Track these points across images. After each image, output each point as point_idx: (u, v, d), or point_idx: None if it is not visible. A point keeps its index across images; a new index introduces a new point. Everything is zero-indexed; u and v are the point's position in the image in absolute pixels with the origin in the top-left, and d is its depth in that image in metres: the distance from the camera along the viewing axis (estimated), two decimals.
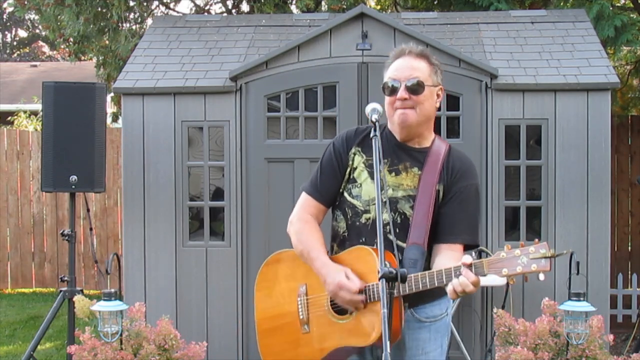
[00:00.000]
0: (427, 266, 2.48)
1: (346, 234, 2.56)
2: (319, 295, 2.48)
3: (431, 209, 2.49)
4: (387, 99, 2.53)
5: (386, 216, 2.45)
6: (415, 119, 2.47)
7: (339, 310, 2.45)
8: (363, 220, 2.52)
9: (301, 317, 2.50)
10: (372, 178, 2.50)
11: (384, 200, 2.42)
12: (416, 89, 2.47)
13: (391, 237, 2.41)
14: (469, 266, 2.25)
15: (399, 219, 2.49)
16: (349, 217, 2.54)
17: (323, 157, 2.62)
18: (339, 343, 2.43)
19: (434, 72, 2.53)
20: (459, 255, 2.44)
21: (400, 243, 2.46)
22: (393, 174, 2.52)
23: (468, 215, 2.53)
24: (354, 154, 2.56)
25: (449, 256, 2.44)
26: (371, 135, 2.37)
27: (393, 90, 2.49)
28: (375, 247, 2.43)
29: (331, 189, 2.59)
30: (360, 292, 2.38)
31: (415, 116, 2.47)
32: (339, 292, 2.38)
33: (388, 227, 2.44)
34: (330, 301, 2.46)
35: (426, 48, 2.62)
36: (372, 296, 2.37)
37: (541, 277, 2.21)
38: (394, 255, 2.35)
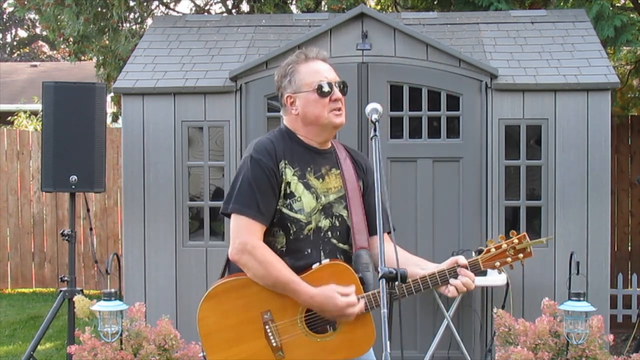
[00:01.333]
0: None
1: (284, 248, 2.47)
2: (289, 320, 2.42)
3: (362, 206, 2.54)
4: (316, 99, 2.48)
5: (326, 222, 2.48)
6: (345, 120, 2.53)
7: (318, 330, 2.43)
8: (306, 232, 2.47)
9: (274, 344, 2.41)
10: (307, 189, 2.48)
11: (321, 207, 2.47)
12: (345, 90, 2.54)
13: (334, 241, 2.48)
14: (466, 266, 2.40)
15: (336, 222, 2.50)
16: (291, 232, 2.46)
17: (252, 174, 2.44)
18: (327, 359, 2.41)
19: None
20: (391, 243, 2.48)
21: (343, 246, 2.51)
22: (320, 179, 2.52)
23: (383, 205, 2.57)
24: (284, 167, 2.47)
25: (392, 248, 2.45)
26: (371, 135, 2.35)
27: (328, 92, 2.48)
28: (323, 256, 2.46)
29: (272, 208, 2.44)
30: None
31: (344, 117, 2.53)
32: (346, 311, 2.36)
33: (329, 232, 2.48)
34: (306, 322, 2.42)
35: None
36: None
37: (524, 262, 2.48)
38: (347, 263, 2.44)
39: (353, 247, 2.48)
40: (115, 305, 3.90)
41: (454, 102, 5.14)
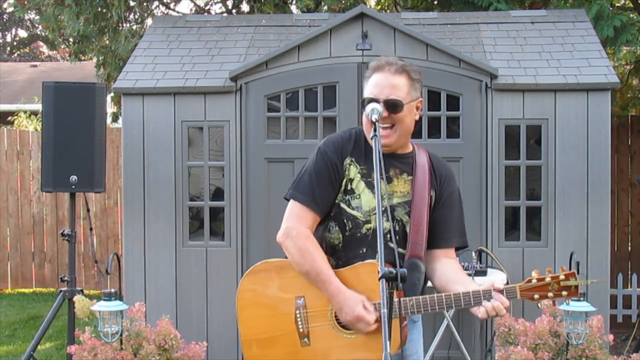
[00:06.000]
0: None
1: (341, 245, 2.51)
2: (320, 309, 2.45)
3: (427, 216, 2.52)
4: (364, 116, 2.48)
5: (387, 224, 2.46)
6: (395, 139, 2.47)
7: (345, 325, 2.43)
8: (364, 230, 2.49)
9: (300, 329, 2.45)
10: (369, 188, 2.49)
11: (384, 208, 2.42)
12: (395, 108, 2.45)
13: (392, 245, 2.43)
14: (501, 291, 2.34)
15: (397, 226, 2.50)
16: (347, 228, 2.50)
17: (314, 164, 2.52)
18: (348, 357, 2.42)
19: (413, 88, 2.51)
20: (455, 259, 2.58)
21: (401, 251, 2.49)
22: (386, 181, 2.51)
23: (457, 219, 2.62)
24: (349, 164, 2.51)
25: (450, 264, 2.55)
26: (371, 135, 2.34)
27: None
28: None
29: (328, 199, 2.50)
30: (376, 321, 2.36)
31: (395, 136, 2.47)
32: (357, 323, 2.36)
33: (389, 235, 2.46)
34: (336, 315, 2.44)
35: (406, 62, 2.56)
36: None
37: (568, 301, 2.37)
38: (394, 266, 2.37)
39: (406, 254, 2.48)
40: (115, 305, 3.90)
41: (454, 102, 5.14)
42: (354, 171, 2.51)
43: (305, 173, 2.53)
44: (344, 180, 2.51)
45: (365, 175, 2.51)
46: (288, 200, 2.56)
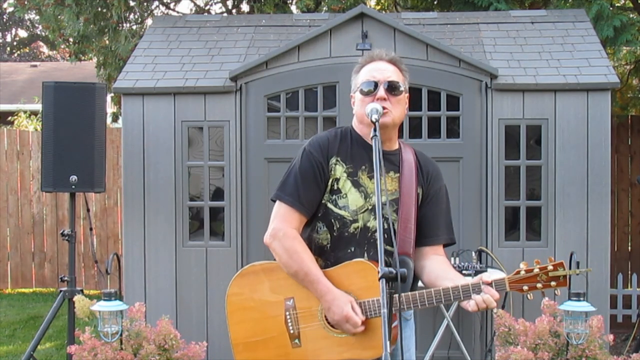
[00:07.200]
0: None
1: (329, 245, 2.51)
2: (310, 310, 2.44)
3: (414, 213, 2.52)
4: (362, 99, 2.50)
5: (375, 223, 2.46)
6: (392, 120, 2.47)
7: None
8: (352, 230, 2.49)
9: (291, 331, 2.44)
10: (356, 187, 2.49)
11: (370, 206, 2.44)
12: (395, 89, 2.48)
13: (385, 245, 2.40)
14: (490, 284, 2.33)
15: (384, 224, 2.47)
16: (335, 228, 2.49)
17: (300, 165, 2.51)
18: (339, 356, 2.41)
19: (405, 79, 2.56)
20: (443, 256, 2.58)
21: (389, 248, 2.47)
22: (373, 180, 2.50)
23: (444, 215, 2.62)
24: (335, 163, 2.50)
25: (438, 261, 2.55)
26: (371, 135, 2.35)
27: (370, 91, 2.48)
28: (366, 258, 2.46)
29: (314, 200, 2.50)
30: (363, 323, 2.37)
31: (392, 117, 2.47)
32: (345, 324, 2.36)
33: (376, 234, 2.45)
34: (326, 315, 2.43)
35: (396, 55, 2.59)
36: (376, 311, 2.36)
37: (557, 292, 2.36)
38: (390, 263, 2.39)
39: (395, 251, 2.43)
40: (115, 305, 3.90)
41: (454, 102, 5.14)
42: (339, 170, 2.50)
43: (291, 174, 2.53)
44: (330, 180, 2.50)
45: (351, 174, 2.50)
46: (274, 201, 2.56)
